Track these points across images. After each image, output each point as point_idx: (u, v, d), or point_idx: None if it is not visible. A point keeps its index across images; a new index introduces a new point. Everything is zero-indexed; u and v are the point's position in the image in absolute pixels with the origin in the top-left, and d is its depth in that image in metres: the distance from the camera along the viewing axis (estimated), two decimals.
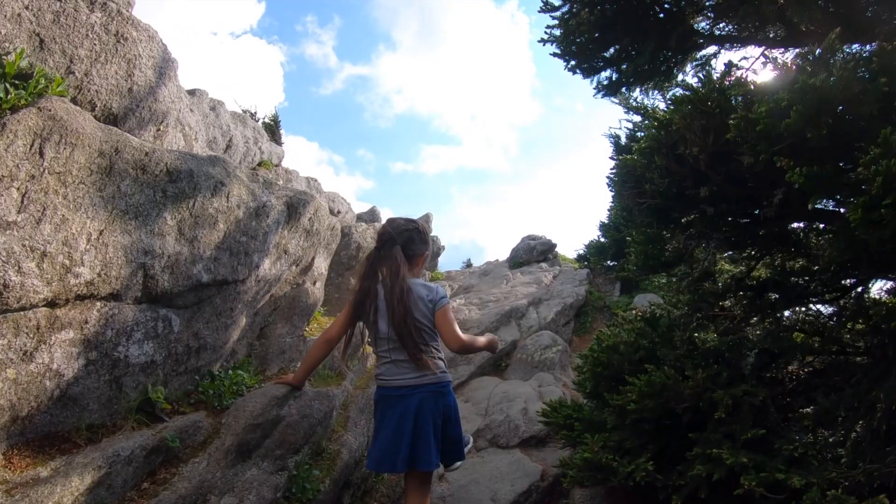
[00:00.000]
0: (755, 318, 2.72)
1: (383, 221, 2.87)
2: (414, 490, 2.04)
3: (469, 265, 14.37)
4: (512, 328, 7.13)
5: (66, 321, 1.83)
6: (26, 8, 1.98)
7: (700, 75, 2.67)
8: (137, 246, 2.07)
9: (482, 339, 2.23)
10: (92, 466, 1.74)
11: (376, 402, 2.12)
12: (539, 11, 3.31)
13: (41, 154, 1.69)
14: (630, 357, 2.77)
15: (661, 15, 3.08)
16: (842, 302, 2.55)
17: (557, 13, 3.27)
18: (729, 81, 2.06)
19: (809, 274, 2.54)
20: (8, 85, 1.69)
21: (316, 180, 7.71)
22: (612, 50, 3.30)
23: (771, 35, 3.08)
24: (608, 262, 10.24)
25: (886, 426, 1.83)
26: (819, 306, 2.71)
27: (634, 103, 3.28)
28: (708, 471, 2.02)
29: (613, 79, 3.42)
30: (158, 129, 2.95)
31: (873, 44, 2.34)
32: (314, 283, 3.93)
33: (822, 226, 2.45)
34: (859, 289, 2.47)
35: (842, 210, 2.13)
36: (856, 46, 2.54)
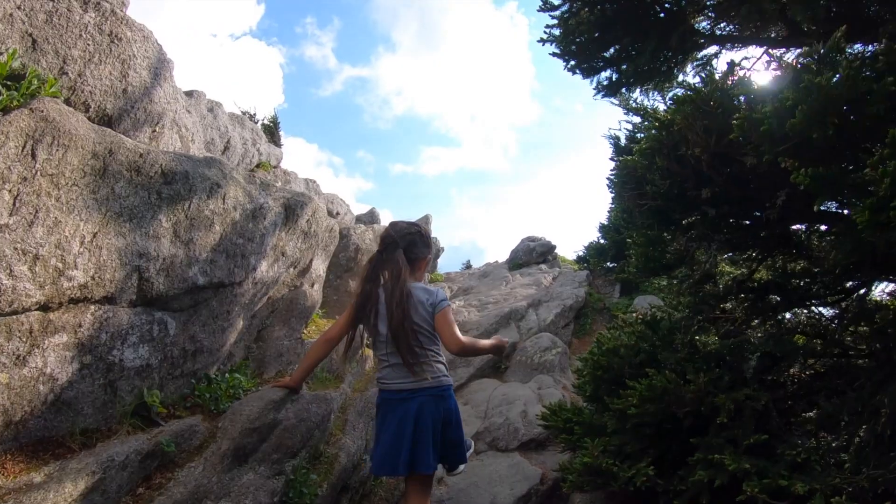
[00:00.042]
0: (756, 321, 2.70)
1: (383, 223, 2.84)
2: (414, 493, 2.03)
3: (468, 266, 14.33)
4: (511, 330, 7.11)
5: (59, 325, 1.81)
6: (18, 8, 1.95)
7: (702, 75, 2.65)
8: (132, 248, 2.05)
9: (486, 342, 2.19)
10: (86, 472, 1.71)
11: (378, 406, 2.12)
12: (538, 11, 3.29)
13: (33, 156, 1.66)
14: (630, 360, 2.75)
15: (662, 14, 3.06)
16: (843, 304, 2.53)
17: (557, 12, 3.25)
18: (731, 81, 2.03)
19: (811, 276, 2.52)
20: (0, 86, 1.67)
21: (315, 182, 7.69)
22: (611, 50, 3.28)
23: (772, 35, 3.06)
24: (608, 263, 10.21)
25: (891, 431, 1.81)
26: (821, 309, 2.69)
27: (634, 104, 3.26)
28: (710, 476, 2.00)
29: (613, 79, 3.40)
30: (154, 131, 2.92)
31: (876, 43, 2.32)
32: (312, 286, 3.90)
33: (825, 228, 2.42)
34: (861, 291, 2.45)
35: (846, 212, 2.10)
36: (858, 46, 2.52)
